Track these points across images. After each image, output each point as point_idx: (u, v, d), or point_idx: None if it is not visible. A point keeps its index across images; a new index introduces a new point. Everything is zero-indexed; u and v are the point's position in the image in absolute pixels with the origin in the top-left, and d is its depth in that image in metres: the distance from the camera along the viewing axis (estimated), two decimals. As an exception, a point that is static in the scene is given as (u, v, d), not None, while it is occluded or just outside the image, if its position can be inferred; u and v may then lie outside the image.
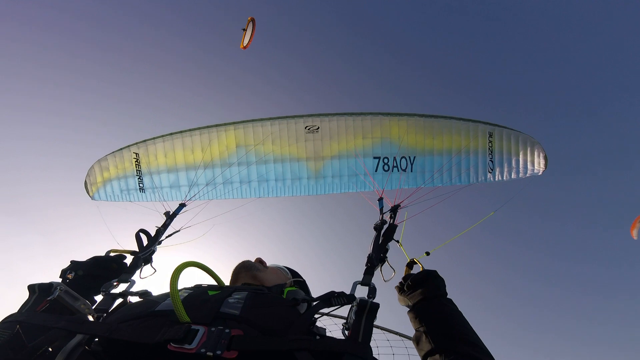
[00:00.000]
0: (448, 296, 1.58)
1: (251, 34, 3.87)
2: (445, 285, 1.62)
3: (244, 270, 1.63)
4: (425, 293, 1.54)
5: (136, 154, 3.47)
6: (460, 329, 1.34)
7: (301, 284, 1.88)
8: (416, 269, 1.99)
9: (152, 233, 2.23)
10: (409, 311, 1.55)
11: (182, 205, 2.67)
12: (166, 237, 2.32)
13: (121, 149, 3.53)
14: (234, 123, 3.43)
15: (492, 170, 3.63)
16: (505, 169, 3.67)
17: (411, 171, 3.50)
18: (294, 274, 1.94)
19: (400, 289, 1.71)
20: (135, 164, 3.49)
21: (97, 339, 0.98)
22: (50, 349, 1.02)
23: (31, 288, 1.37)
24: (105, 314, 1.37)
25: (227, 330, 0.89)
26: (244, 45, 4.02)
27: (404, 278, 1.75)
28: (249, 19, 3.87)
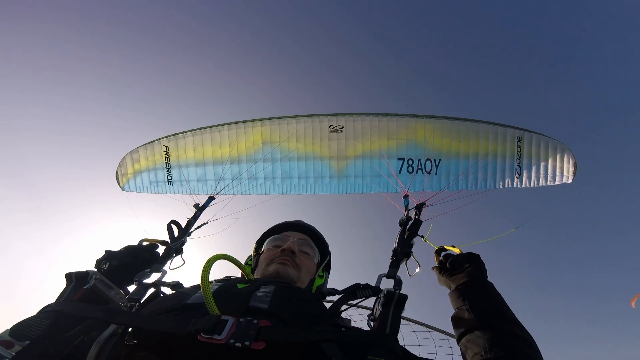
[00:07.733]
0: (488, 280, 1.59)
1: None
2: (486, 269, 1.62)
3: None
4: (470, 275, 1.56)
5: (166, 147, 3.58)
6: (502, 309, 1.36)
7: (326, 265, 1.87)
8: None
9: (182, 224, 2.28)
10: (451, 292, 1.56)
11: (211, 198, 2.75)
12: (195, 229, 2.38)
13: (152, 141, 3.64)
14: (260, 120, 3.47)
15: (519, 175, 3.53)
16: (533, 175, 3.56)
17: (436, 174, 3.45)
18: (321, 248, 1.88)
19: (441, 269, 1.72)
20: (165, 157, 3.60)
21: (130, 329, 1.01)
22: (85, 339, 1.04)
23: (68, 277, 1.37)
24: (138, 304, 1.38)
25: (255, 321, 0.90)
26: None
27: (444, 257, 1.76)
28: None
